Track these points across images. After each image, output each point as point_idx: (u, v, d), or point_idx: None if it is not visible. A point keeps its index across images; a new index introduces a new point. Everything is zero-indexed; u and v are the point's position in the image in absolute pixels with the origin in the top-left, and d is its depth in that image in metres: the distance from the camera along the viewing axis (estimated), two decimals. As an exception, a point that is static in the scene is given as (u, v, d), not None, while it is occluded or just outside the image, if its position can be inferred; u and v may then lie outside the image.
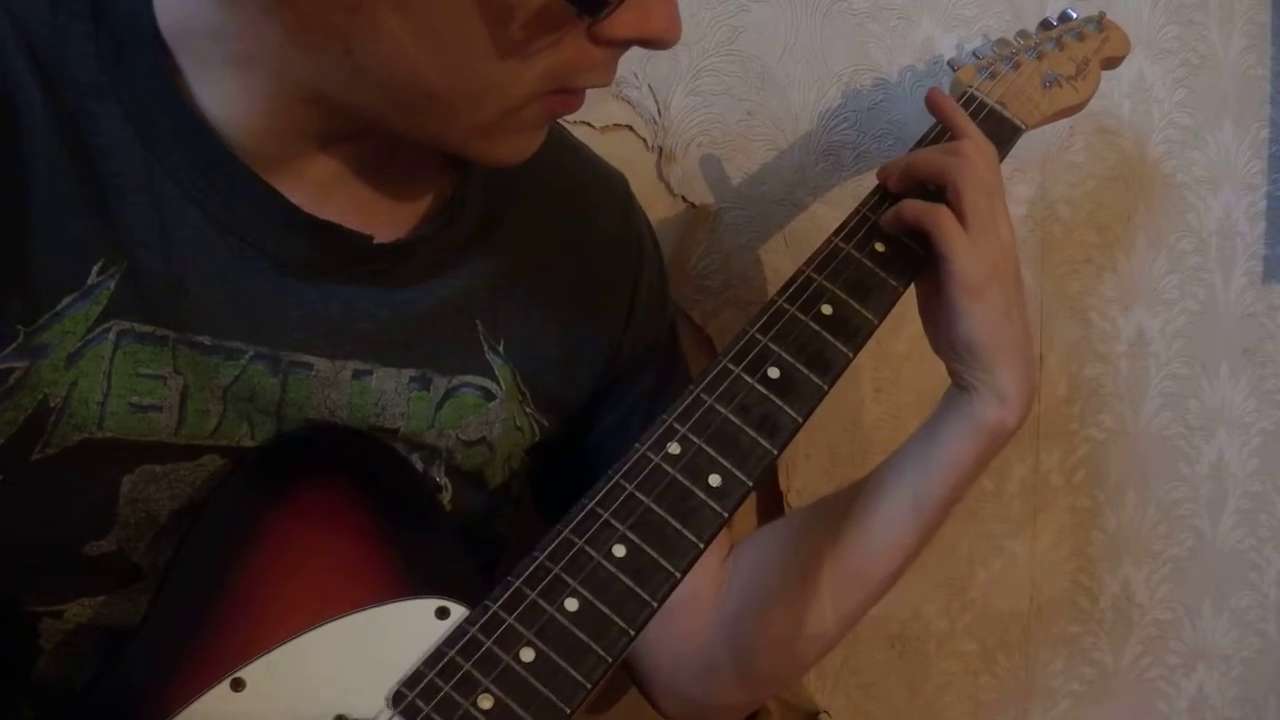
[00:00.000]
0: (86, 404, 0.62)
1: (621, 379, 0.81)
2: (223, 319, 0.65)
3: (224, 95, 0.63)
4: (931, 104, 0.84)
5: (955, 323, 0.74)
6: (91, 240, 0.62)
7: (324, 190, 0.67)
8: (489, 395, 0.73)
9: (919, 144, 0.83)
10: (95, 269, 0.62)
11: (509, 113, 0.62)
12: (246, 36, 0.61)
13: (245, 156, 0.64)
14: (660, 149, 0.99)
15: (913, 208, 0.75)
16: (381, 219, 0.69)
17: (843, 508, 0.78)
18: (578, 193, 0.80)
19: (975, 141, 0.78)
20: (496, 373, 0.74)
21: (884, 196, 0.79)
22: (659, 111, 0.98)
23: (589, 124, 0.95)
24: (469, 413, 0.73)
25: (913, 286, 0.77)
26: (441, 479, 0.73)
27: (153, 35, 0.63)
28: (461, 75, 0.59)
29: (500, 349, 0.74)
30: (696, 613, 0.80)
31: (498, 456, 0.75)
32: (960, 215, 0.74)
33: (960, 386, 0.75)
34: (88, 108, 0.62)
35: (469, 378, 0.73)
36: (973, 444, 0.74)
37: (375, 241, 0.68)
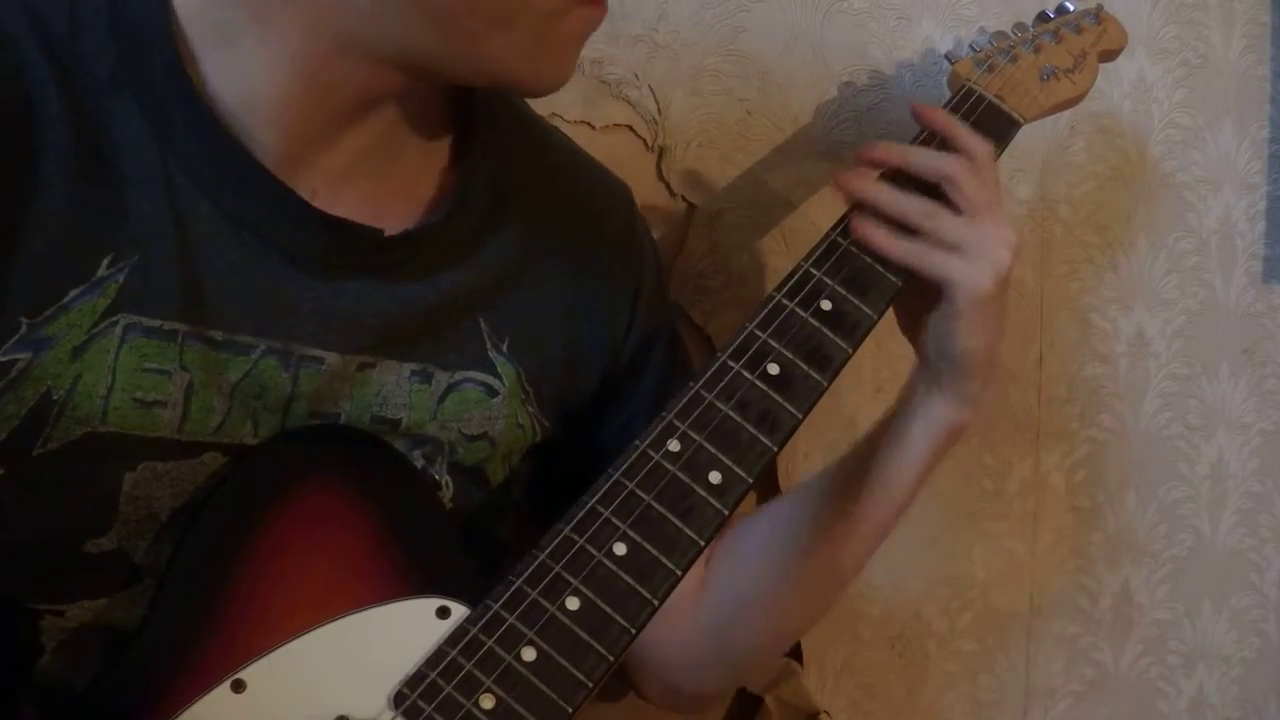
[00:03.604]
0: (90, 397, 0.62)
1: (624, 383, 0.81)
2: (234, 313, 0.65)
3: (245, 73, 0.63)
4: (920, 119, 0.82)
5: (956, 334, 0.73)
6: (102, 234, 0.62)
7: (335, 184, 0.67)
8: (491, 391, 0.74)
9: (913, 143, 0.83)
10: (105, 262, 0.62)
11: (550, 18, 0.63)
12: None
13: (258, 150, 0.64)
14: (660, 149, 0.99)
15: (900, 252, 0.73)
16: (390, 211, 0.69)
17: (808, 506, 0.79)
18: (584, 198, 0.81)
19: (971, 146, 0.78)
20: (499, 370, 0.74)
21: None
22: (659, 111, 0.98)
23: (589, 124, 0.95)
24: (471, 407, 0.73)
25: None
26: (442, 476, 0.73)
27: (168, 25, 0.63)
28: None
29: (504, 348, 0.74)
30: (680, 607, 0.80)
31: (498, 452, 0.75)
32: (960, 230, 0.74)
33: (927, 385, 0.76)
34: (104, 102, 0.63)
35: (471, 373, 0.73)
36: (936, 444, 0.76)
37: (385, 235, 0.68)
